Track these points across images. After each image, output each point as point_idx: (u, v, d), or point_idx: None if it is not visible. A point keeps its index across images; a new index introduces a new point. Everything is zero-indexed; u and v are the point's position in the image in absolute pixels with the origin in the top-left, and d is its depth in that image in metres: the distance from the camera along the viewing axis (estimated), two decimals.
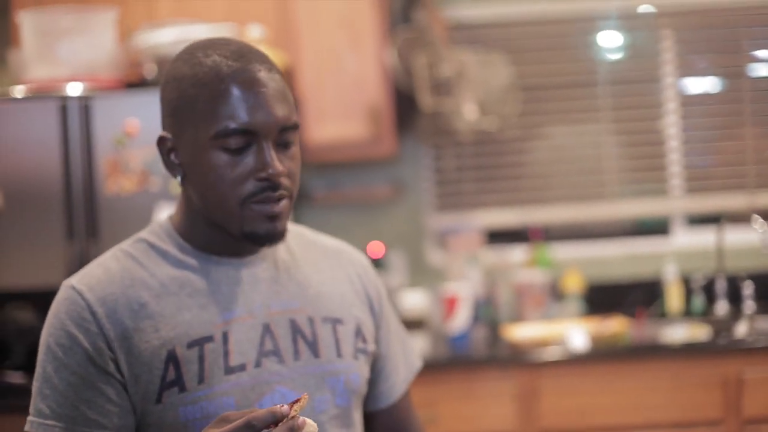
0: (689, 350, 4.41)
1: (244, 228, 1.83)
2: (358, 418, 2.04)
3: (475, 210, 5.33)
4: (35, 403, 1.82)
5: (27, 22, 4.25)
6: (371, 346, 2.08)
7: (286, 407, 1.55)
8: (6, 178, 4.02)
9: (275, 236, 1.85)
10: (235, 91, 1.78)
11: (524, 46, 5.36)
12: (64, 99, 4.06)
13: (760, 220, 4.70)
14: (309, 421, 1.57)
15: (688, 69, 5.45)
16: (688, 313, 5.11)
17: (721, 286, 5.10)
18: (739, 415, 4.33)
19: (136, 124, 4.03)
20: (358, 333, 2.04)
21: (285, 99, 1.83)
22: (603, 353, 4.41)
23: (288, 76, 4.58)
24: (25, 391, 3.94)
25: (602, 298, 5.18)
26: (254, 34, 4.41)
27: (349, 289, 2.08)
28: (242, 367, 1.85)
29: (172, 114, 1.85)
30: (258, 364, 1.86)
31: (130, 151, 4.02)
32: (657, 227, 5.47)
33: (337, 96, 4.71)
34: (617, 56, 5.48)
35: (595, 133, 5.41)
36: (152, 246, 1.92)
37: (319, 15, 4.71)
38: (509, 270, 5.12)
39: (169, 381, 1.80)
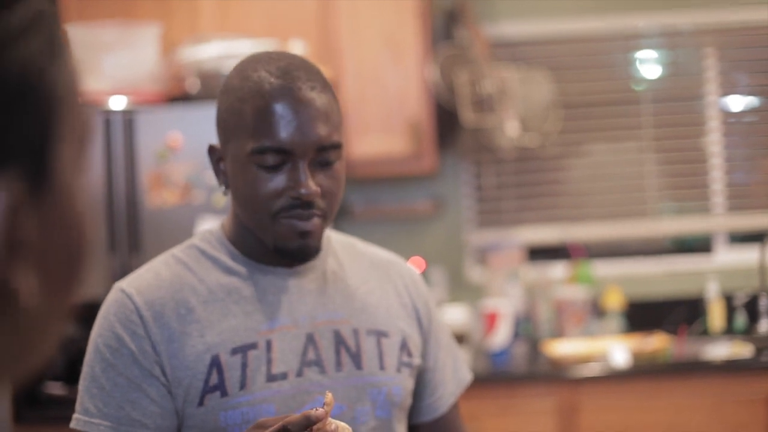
0: (731, 367, 4.39)
1: (276, 243, 1.86)
2: (401, 430, 2.04)
3: (515, 226, 5.32)
4: (82, 401, 1.85)
5: (71, 36, 4.28)
6: (416, 360, 2.08)
7: (321, 410, 1.57)
8: None
9: (306, 253, 1.87)
10: (275, 109, 1.80)
11: (566, 64, 5.36)
12: (108, 113, 4.10)
13: None
14: (342, 424, 1.59)
15: (730, 87, 5.43)
16: (729, 331, 5.08)
17: (763, 304, 5.07)
18: None
19: (178, 138, 4.05)
20: (404, 346, 2.04)
21: (326, 118, 1.83)
22: (644, 370, 4.40)
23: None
24: (65, 402, 3.98)
25: (643, 316, 5.15)
26: (296, 49, 4.43)
27: (396, 302, 2.08)
28: (284, 376, 1.87)
29: (220, 124, 1.89)
30: (300, 374, 1.88)
31: (173, 164, 4.05)
32: (699, 245, 5.45)
33: (379, 111, 4.73)
34: (659, 74, 5.47)
35: (636, 151, 5.40)
36: (203, 252, 1.95)
37: (361, 30, 4.73)
38: (550, 287, 5.11)
39: (211, 385, 1.83)
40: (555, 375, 4.38)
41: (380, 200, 5.21)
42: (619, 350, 4.52)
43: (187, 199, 4.05)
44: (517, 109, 4.94)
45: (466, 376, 2.24)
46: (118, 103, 4.16)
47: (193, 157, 4.05)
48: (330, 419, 1.59)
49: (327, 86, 1.87)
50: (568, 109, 5.30)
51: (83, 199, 0.79)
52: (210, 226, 2.03)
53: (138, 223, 4.05)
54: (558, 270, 5.24)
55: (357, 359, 1.95)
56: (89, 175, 0.80)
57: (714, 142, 5.40)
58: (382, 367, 1.98)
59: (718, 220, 5.40)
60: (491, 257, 5.10)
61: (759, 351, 4.59)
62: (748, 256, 5.23)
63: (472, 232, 5.35)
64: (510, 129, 4.88)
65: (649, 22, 5.36)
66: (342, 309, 1.98)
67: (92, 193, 0.80)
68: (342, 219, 5.05)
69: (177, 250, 1.97)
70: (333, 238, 2.07)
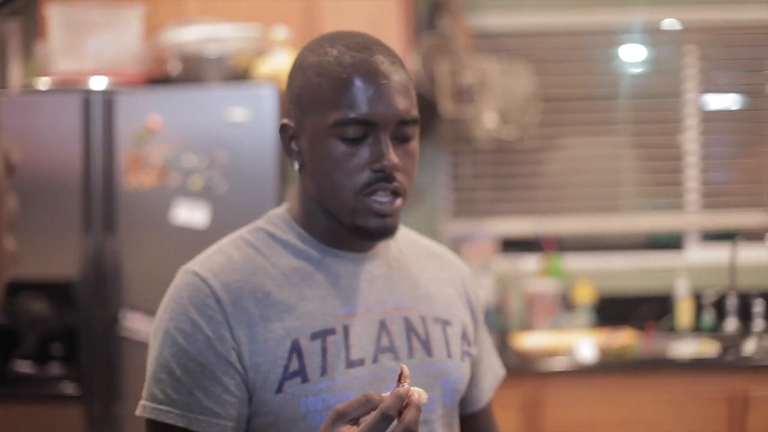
0: (697, 366, 4.44)
1: (355, 221, 1.83)
2: (458, 418, 2.05)
3: (490, 218, 5.35)
4: (149, 387, 1.83)
5: (55, 15, 4.31)
6: (474, 350, 2.09)
7: (406, 386, 1.56)
8: (26, 169, 4.07)
9: (386, 232, 1.85)
10: (357, 82, 1.79)
11: (547, 57, 5.39)
12: (88, 92, 4.12)
13: None
14: (418, 389, 1.57)
15: (710, 85, 5.47)
16: (697, 329, 5.13)
17: (732, 303, 5.12)
18: None
19: (158, 120, 4.08)
20: (464, 336, 2.05)
21: (406, 93, 1.83)
22: (610, 365, 4.45)
23: None
24: (34, 380, 4.02)
25: (613, 311, 5.19)
26: (279, 35, 4.45)
27: (454, 293, 2.08)
28: (361, 362, 1.86)
29: (295, 101, 1.87)
30: (375, 360, 1.87)
31: (151, 146, 4.08)
32: (671, 242, 5.49)
33: None
34: (639, 70, 5.50)
35: (613, 146, 5.44)
36: (272, 235, 1.93)
37: (344, 18, 4.74)
38: (521, 279, 5.14)
39: (291, 371, 1.80)
40: (522, 368, 4.41)
41: None
42: (586, 345, 4.56)
43: (163, 181, 4.07)
44: (497, 101, 4.97)
45: (501, 371, 2.25)
46: (98, 83, 4.19)
47: (172, 140, 4.07)
48: (411, 389, 1.56)
49: (404, 64, 1.87)
50: (548, 102, 5.32)
51: None
52: (276, 209, 1.97)
53: (114, 203, 4.07)
54: (530, 262, 5.27)
55: (427, 346, 1.95)
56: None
57: (691, 140, 5.43)
58: (449, 355, 1.98)
59: (692, 218, 5.44)
60: (464, 247, 5.13)
61: (725, 350, 4.64)
62: (720, 254, 5.28)
63: (446, 222, 5.38)
64: (489, 120, 4.91)
65: (632, 17, 5.39)
66: (408, 296, 1.98)
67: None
68: None
69: (244, 232, 1.95)
70: None
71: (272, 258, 1.89)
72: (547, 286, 5.03)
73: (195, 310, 1.81)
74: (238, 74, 4.31)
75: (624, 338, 4.64)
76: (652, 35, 5.45)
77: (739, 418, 4.36)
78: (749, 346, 4.77)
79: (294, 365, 1.80)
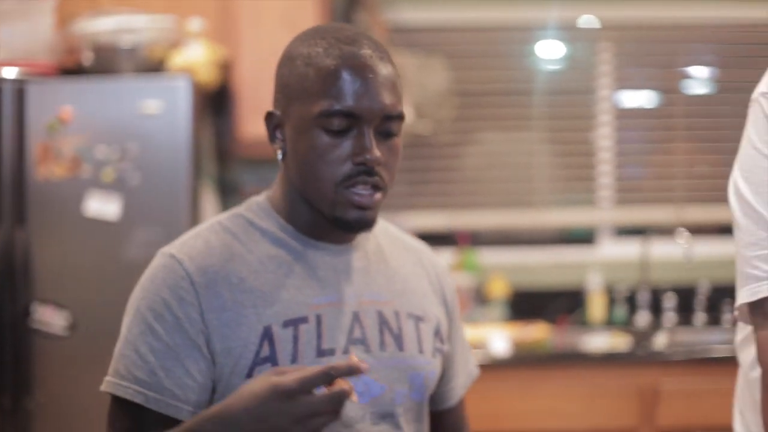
0: (608, 359, 4.48)
1: (335, 212, 1.84)
2: (427, 414, 2.06)
3: (404, 212, 5.36)
4: (114, 364, 1.83)
5: None
6: (446, 347, 2.10)
7: (366, 364, 1.59)
8: None
9: (364, 224, 1.86)
10: (344, 74, 1.80)
11: (463, 52, 5.40)
12: None
13: (685, 234, 4.79)
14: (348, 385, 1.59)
15: (624, 82, 5.52)
16: (609, 323, 5.18)
17: (643, 297, 5.18)
18: (654, 425, 4.41)
19: (70, 111, 4.03)
20: (437, 332, 2.06)
21: (393, 88, 1.84)
22: (524, 359, 4.47)
23: (225, 70, 4.60)
24: None
25: (526, 305, 5.23)
26: (194, 27, 4.42)
27: (429, 289, 2.09)
28: (332, 352, 1.86)
29: (282, 90, 1.88)
30: (346, 351, 1.88)
31: (63, 137, 4.03)
32: (584, 237, 5.53)
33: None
34: (555, 66, 5.54)
35: (528, 142, 5.47)
36: (251, 223, 1.94)
37: (260, 11, 4.72)
38: None
39: (262, 357, 1.81)
40: None
41: (272, 180, 5.19)
42: (500, 338, 4.59)
43: (75, 172, 4.02)
44: (412, 96, 4.98)
45: (475, 371, 2.27)
46: (9, 73, 4.12)
47: (84, 131, 4.03)
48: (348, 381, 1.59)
49: (392, 60, 1.88)
50: (463, 97, 5.35)
51: None
52: (256, 197, 2.00)
53: (24, 195, 4.01)
54: (444, 257, 5.28)
55: (399, 341, 1.96)
56: None
57: (605, 137, 5.48)
58: (421, 351, 1.99)
59: (605, 214, 5.49)
60: None
61: (636, 344, 4.69)
62: (632, 249, 5.34)
63: None
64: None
65: (547, 14, 5.42)
66: (384, 290, 1.99)
67: None
68: (233, 198, 5.06)
69: (223, 218, 1.96)
70: None
71: (250, 245, 1.91)
72: (461, 280, 5.04)
73: (167, 291, 1.82)
74: (152, 66, 4.27)
75: (537, 332, 4.68)
76: (568, 32, 5.48)
77: (650, 411, 4.41)
78: (660, 340, 4.82)
79: (265, 351, 1.81)
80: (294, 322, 1.84)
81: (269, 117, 1.91)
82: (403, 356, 1.95)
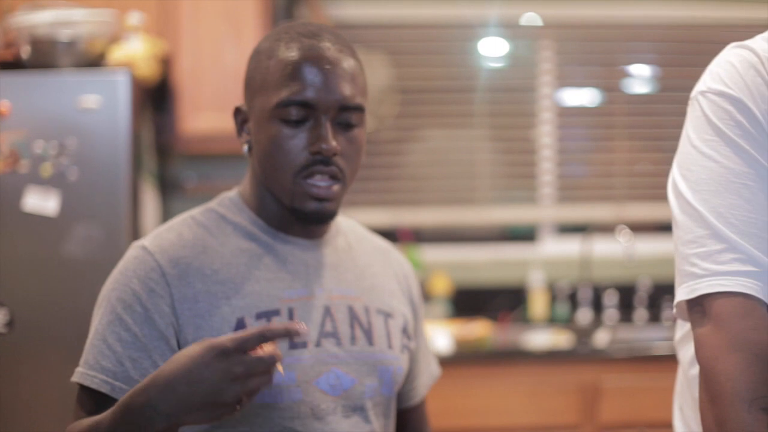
0: (550, 356, 4.49)
1: (294, 203, 1.87)
2: (394, 411, 2.08)
3: (346, 208, 5.34)
4: (84, 354, 1.83)
5: None
6: (413, 344, 2.13)
7: (303, 325, 1.61)
8: None
9: (323, 216, 1.89)
10: (302, 65, 1.84)
11: (404, 49, 5.40)
12: None
13: (626, 231, 4.81)
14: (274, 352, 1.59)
15: (565, 80, 5.54)
16: (551, 320, 5.20)
17: (584, 294, 5.20)
18: (595, 422, 4.43)
19: (7, 105, 3.98)
20: (405, 329, 2.08)
21: (352, 80, 1.86)
22: (466, 356, 4.47)
23: (165, 64, 4.57)
24: None
25: (468, 302, 5.24)
26: (134, 21, 4.39)
27: (397, 288, 2.12)
28: (304, 345, 1.88)
29: (247, 85, 1.93)
30: (318, 344, 1.90)
31: (1, 132, 3.98)
32: (525, 234, 5.55)
33: (215, 87, 4.69)
34: (496, 64, 5.54)
35: (469, 139, 5.48)
36: (223, 217, 1.97)
37: (201, 6, 4.69)
38: None
39: None
40: None
41: (213, 176, 5.18)
42: (442, 335, 4.58)
43: (13, 168, 3.98)
44: None
45: (437, 371, 2.29)
46: None
47: (22, 126, 3.97)
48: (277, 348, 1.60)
49: (355, 54, 1.91)
50: (405, 94, 5.34)
51: None
52: (228, 192, 2.04)
53: None
54: None
55: (369, 336, 1.98)
56: None
57: (547, 134, 5.50)
58: (390, 346, 2.02)
59: (546, 211, 5.51)
60: None
61: (578, 341, 4.71)
62: (574, 247, 5.36)
63: None
64: None
65: (489, 12, 5.42)
66: (354, 286, 2.01)
67: None
68: (173, 194, 5.03)
69: (196, 213, 1.99)
70: (339, 218, 2.09)
71: (222, 238, 1.93)
72: None
73: (138, 282, 1.83)
74: (92, 60, 4.23)
75: (479, 329, 4.67)
76: (510, 30, 5.49)
77: (591, 407, 4.42)
78: (601, 338, 4.84)
79: None
80: (267, 315, 1.86)
81: (237, 112, 1.96)
82: (372, 351, 1.98)
